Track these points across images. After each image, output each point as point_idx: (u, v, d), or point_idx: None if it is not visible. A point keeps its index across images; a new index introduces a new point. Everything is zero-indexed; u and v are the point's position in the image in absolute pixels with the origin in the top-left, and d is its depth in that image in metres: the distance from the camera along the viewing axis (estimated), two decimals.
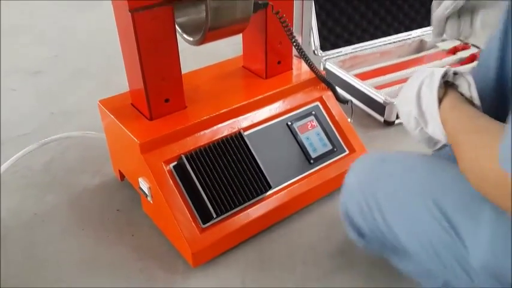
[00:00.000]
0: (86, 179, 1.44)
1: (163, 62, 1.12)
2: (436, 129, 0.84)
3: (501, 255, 0.72)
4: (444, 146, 0.91)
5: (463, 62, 1.90)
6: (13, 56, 2.25)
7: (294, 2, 1.30)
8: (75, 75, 2.06)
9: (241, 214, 1.17)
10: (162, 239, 1.21)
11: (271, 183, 1.20)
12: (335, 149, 1.34)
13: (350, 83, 1.75)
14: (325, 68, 1.85)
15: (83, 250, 1.21)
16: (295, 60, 1.40)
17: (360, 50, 1.93)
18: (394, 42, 2.00)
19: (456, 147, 0.77)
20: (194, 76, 1.37)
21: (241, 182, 1.17)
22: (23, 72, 2.08)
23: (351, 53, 1.91)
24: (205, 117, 1.18)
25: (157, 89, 1.14)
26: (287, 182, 1.25)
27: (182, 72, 1.17)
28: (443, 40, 2.02)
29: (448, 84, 0.86)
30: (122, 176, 1.37)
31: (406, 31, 2.03)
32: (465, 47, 1.96)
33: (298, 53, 1.28)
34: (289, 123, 1.30)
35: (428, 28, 2.07)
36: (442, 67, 0.89)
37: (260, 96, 1.27)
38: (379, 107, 1.65)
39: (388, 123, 1.65)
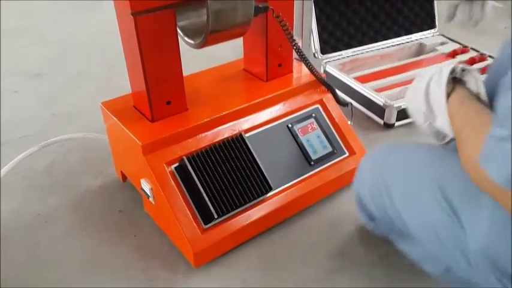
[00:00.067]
0: (88, 181, 1.45)
1: (165, 65, 1.13)
2: (444, 124, 0.87)
3: (498, 241, 0.76)
4: (452, 139, 0.94)
5: None
6: (14, 57, 2.26)
7: (294, 5, 1.31)
8: (76, 77, 2.07)
9: (242, 215, 1.18)
10: (163, 240, 1.23)
11: (271, 184, 1.21)
12: (335, 151, 1.35)
13: (350, 86, 1.76)
14: (325, 71, 1.86)
15: (86, 250, 1.22)
16: (295, 63, 1.41)
17: (360, 53, 1.95)
18: (393, 45, 2.01)
19: (459, 143, 0.80)
20: (195, 79, 1.39)
21: (242, 184, 1.18)
22: (24, 74, 2.10)
23: (351, 56, 1.93)
24: (206, 119, 1.19)
25: (159, 91, 1.16)
26: (287, 183, 1.26)
27: (184, 75, 1.19)
28: (442, 43, 2.04)
29: (456, 80, 0.88)
30: (124, 177, 1.38)
31: (405, 34, 2.05)
32: (464, 50, 1.98)
33: (299, 56, 1.29)
34: (290, 125, 1.31)
35: (427, 32, 2.08)
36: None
37: (261, 99, 1.28)
38: (379, 110, 1.66)
39: (388, 126, 1.67)
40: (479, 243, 0.79)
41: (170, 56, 1.13)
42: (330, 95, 1.39)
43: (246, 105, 1.26)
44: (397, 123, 1.66)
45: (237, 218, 1.17)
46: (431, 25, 2.09)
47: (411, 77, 1.80)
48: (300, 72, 1.41)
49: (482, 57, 1.91)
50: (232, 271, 1.16)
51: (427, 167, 0.92)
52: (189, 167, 1.13)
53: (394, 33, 2.03)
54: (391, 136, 1.64)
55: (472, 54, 1.96)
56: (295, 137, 1.31)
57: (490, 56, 1.92)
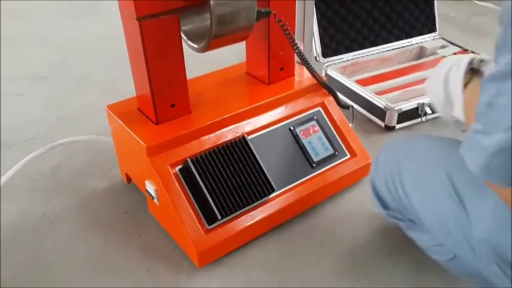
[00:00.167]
0: (93, 182, 1.47)
1: (169, 69, 1.15)
2: (460, 114, 0.91)
3: (501, 231, 0.79)
4: None
5: None
6: (19, 61, 2.29)
7: (296, 10, 1.33)
8: (80, 81, 2.10)
9: (245, 216, 1.20)
10: (168, 240, 1.24)
11: (274, 186, 1.23)
12: (336, 153, 1.37)
13: (351, 89, 1.78)
14: (326, 74, 1.88)
15: (91, 251, 1.24)
16: (297, 67, 1.43)
17: (361, 57, 1.97)
18: (394, 49, 2.03)
19: (467, 134, 0.82)
20: (199, 82, 1.41)
21: (245, 185, 1.20)
22: (29, 78, 2.12)
23: (352, 59, 1.95)
24: (209, 122, 1.21)
25: (164, 95, 1.18)
26: (290, 185, 1.28)
27: (187, 78, 1.21)
28: (443, 47, 2.05)
29: (474, 71, 0.91)
30: (129, 179, 1.40)
31: (406, 38, 2.07)
32: (464, 53, 1.99)
33: (300, 59, 1.31)
34: (292, 127, 1.33)
35: (427, 35, 2.10)
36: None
37: (263, 102, 1.30)
38: (380, 112, 1.68)
39: (389, 128, 1.68)
40: (482, 232, 0.82)
41: (174, 60, 1.15)
42: (331, 98, 1.41)
43: (249, 108, 1.28)
44: (397, 126, 1.67)
45: (240, 218, 1.19)
46: (431, 28, 2.11)
47: (412, 80, 1.83)
48: (302, 76, 1.43)
49: None
50: (236, 271, 1.17)
51: (437, 156, 0.96)
52: (193, 169, 1.15)
53: (395, 37, 2.05)
54: (392, 138, 1.65)
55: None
56: (297, 139, 1.33)
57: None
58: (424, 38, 2.09)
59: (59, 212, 1.36)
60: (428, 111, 1.66)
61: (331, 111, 1.40)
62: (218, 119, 1.23)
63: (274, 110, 1.33)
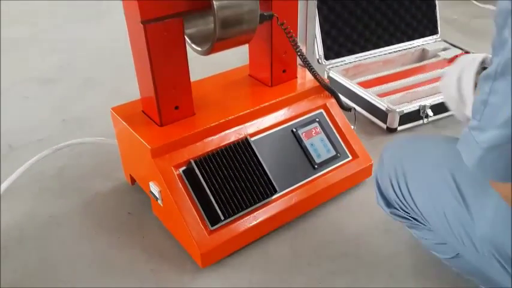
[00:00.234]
0: (98, 184, 1.48)
1: (173, 71, 1.17)
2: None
3: (502, 229, 0.79)
4: None
5: None
6: (25, 64, 2.31)
7: (298, 12, 1.34)
8: (85, 83, 2.12)
9: (248, 217, 1.21)
10: (171, 241, 1.26)
11: (276, 187, 1.24)
12: (338, 155, 1.38)
13: (353, 91, 1.79)
14: (329, 77, 1.89)
15: (96, 252, 1.25)
16: (299, 69, 1.45)
17: (363, 59, 1.98)
18: (396, 51, 2.04)
19: (465, 130, 0.83)
20: (202, 84, 1.42)
21: (248, 186, 1.21)
22: (35, 81, 2.14)
23: (354, 62, 1.96)
24: (213, 124, 1.23)
25: (168, 97, 1.19)
26: (292, 186, 1.29)
27: (191, 81, 1.22)
28: (444, 49, 2.06)
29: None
30: (133, 181, 1.42)
31: (408, 40, 2.08)
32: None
33: (303, 62, 1.32)
34: (294, 129, 1.35)
35: (429, 37, 2.11)
36: None
37: (266, 104, 1.31)
38: (382, 114, 1.69)
39: (391, 130, 1.69)
40: (484, 231, 0.82)
41: (178, 63, 1.17)
42: (333, 100, 1.42)
43: (252, 110, 1.29)
44: (399, 128, 1.68)
45: (243, 219, 1.20)
46: (433, 31, 2.12)
47: (414, 82, 1.84)
48: (304, 78, 1.44)
49: None
50: (239, 271, 1.19)
51: (442, 155, 0.96)
52: (197, 170, 1.17)
53: (397, 39, 2.06)
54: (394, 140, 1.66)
55: None
56: (299, 141, 1.34)
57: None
58: (426, 41, 2.10)
59: (64, 213, 1.37)
60: (430, 113, 1.67)
61: (333, 113, 1.41)
62: (221, 120, 1.24)
63: (276, 112, 1.34)
